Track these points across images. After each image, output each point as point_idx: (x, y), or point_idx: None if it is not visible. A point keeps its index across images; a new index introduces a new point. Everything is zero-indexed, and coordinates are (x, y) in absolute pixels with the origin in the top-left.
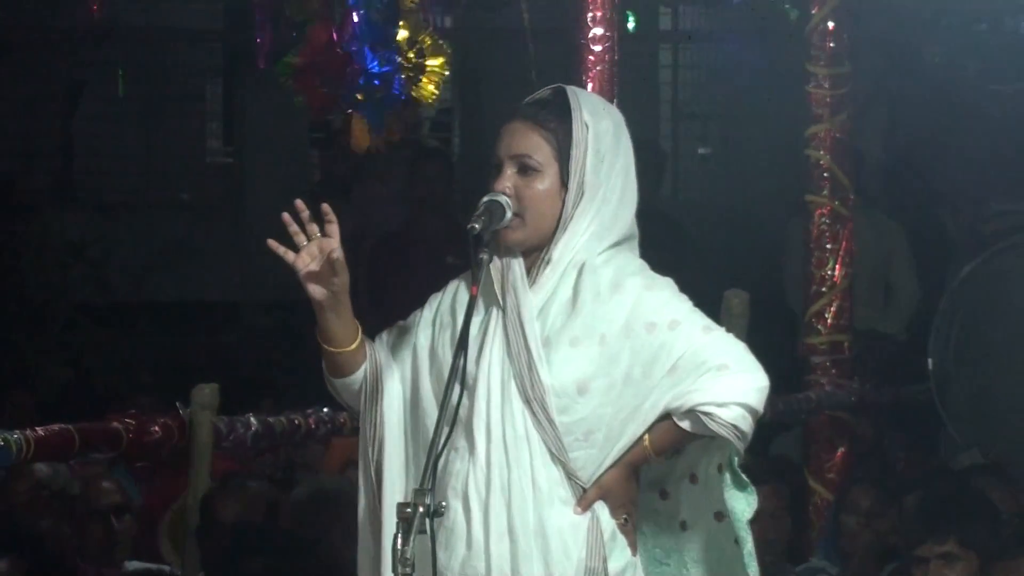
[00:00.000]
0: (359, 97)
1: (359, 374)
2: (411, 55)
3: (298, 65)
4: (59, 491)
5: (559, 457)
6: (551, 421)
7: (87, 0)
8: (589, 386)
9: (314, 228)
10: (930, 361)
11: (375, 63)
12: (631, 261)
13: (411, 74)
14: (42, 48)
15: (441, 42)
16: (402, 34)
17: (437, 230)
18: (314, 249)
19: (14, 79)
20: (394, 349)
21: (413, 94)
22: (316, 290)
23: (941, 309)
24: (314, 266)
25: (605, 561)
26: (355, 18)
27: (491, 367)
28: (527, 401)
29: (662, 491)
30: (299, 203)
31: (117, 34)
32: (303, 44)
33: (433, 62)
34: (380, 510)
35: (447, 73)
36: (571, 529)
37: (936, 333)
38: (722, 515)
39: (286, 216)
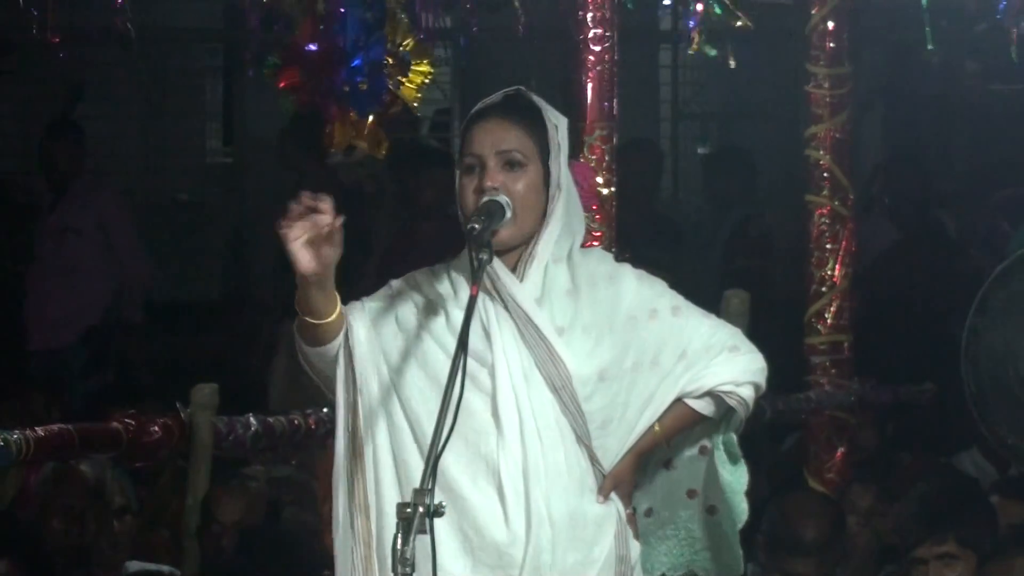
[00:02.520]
0: (345, 89)
1: (336, 341)
2: (396, 55)
3: (283, 60)
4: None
5: (585, 443)
6: (579, 408)
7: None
8: (607, 373)
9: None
10: (963, 360)
11: (359, 59)
12: (607, 254)
13: (395, 72)
14: (42, 48)
15: (427, 46)
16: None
17: (436, 231)
18: (306, 225)
19: (14, 79)
20: (373, 317)
21: (398, 93)
22: (304, 261)
23: (975, 306)
24: (304, 237)
25: (629, 549)
26: (342, 14)
27: (508, 357)
28: (555, 389)
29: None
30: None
31: (116, 34)
32: (289, 40)
33: (417, 65)
34: (362, 464)
35: (430, 76)
36: (602, 516)
37: (969, 331)
38: (694, 492)
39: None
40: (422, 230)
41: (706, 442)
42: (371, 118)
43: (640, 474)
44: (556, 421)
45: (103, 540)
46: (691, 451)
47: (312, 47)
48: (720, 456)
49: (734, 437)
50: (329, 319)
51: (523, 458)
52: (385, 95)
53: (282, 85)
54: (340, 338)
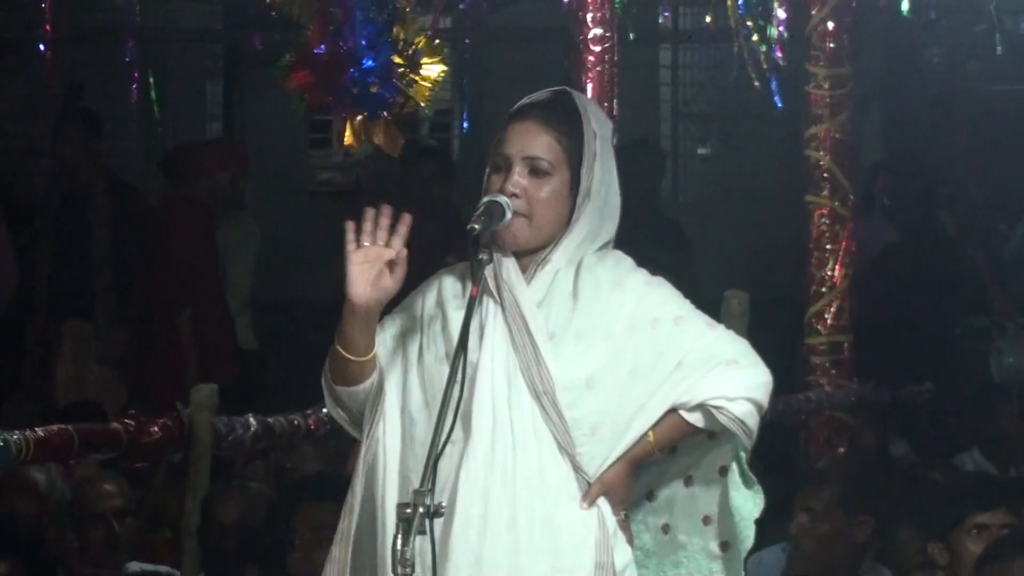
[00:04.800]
0: (354, 91)
1: (367, 383)
2: (406, 55)
3: (294, 62)
4: (61, 499)
5: (567, 451)
6: (560, 415)
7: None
8: (596, 381)
9: (382, 236)
10: None
11: (370, 59)
12: (624, 259)
13: (406, 72)
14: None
15: (437, 42)
16: (397, 34)
17: (436, 230)
18: (372, 253)
19: (14, 79)
20: (389, 352)
21: (410, 92)
22: (360, 288)
23: None
24: (367, 266)
25: (612, 556)
26: (352, 15)
27: (494, 360)
28: (536, 395)
29: (650, 493)
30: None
31: (117, 34)
32: (300, 42)
33: (428, 63)
34: (381, 514)
35: (443, 75)
36: (582, 524)
37: None
38: (710, 519)
39: (370, 213)
40: (426, 228)
41: (726, 463)
42: (386, 117)
43: (660, 486)
44: (535, 428)
45: (90, 536)
46: (710, 470)
47: (321, 49)
48: (734, 478)
49: (743, 458)
50: (367, 356)
51: (489, 462)
52: (397, 96)
53: (293, 85)
54: (373, 378)
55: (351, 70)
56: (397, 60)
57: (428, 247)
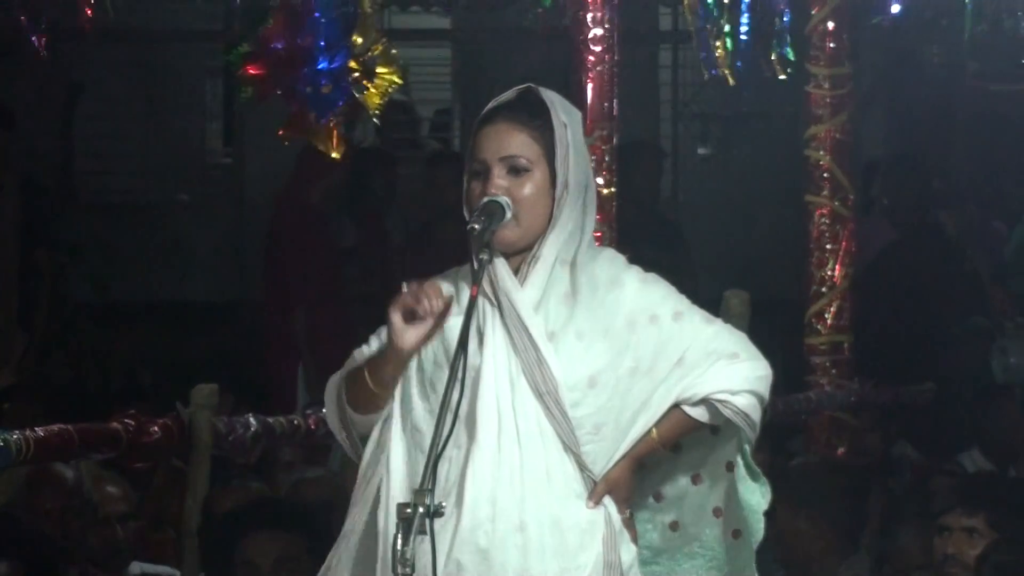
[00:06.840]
0: (307, 90)
1: (384, 411)
2: (362, 60)
3: (252, 50)
4: (88, 496)
5: (572, 450)
6: (564, 414)
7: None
8: (599, 379)
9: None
10: None
11: (325, 60)
12: (617, 256)
13: (359, 76)
14: (42, 48)
15: (394, 52)
16: (355, 39)
17: (451, 234)
18: (425, 304)
19: (14, 79)
20: None
21: (361, 98)
22: (407, 336)
23: None
24: (420, 316)
25: (619, 554)
26: (311, 15)
27: (496, 362)
28: (539, 395)
29: (656, 494)
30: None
31: (117, 34)
32: (258, 35)
33: (383, 72)
34: (384, 519)
35: (397, 84)
36: (589, 523)
37: None
38: (720, 511)
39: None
40: (442, 230)
41: (732, 458)
42: (330, 121)
43: (667, 486)
44: (539, 428)
45: (93, 539)
46: (717, 466)
47: (279, 44)
48: (740, 472)
49: (748, 451)
50: (390, 390)
51: (496, 464)
52: (346, 101)
53: (245, 75)
54: (389, 407)
55: (304, 69)
56: (352, 65)
57: (443, 251)
